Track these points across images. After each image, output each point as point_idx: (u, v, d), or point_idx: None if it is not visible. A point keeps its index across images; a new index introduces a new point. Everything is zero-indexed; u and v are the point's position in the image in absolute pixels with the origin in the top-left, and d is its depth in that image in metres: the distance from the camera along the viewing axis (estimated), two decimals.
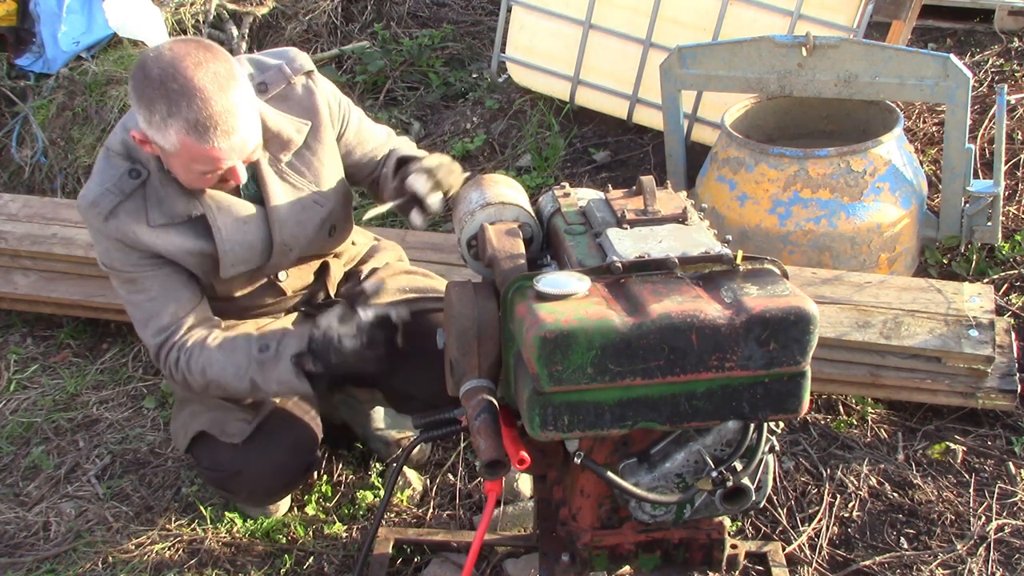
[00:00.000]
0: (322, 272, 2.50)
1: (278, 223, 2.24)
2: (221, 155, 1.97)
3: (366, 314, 2.12)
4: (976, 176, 3.56)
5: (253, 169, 2.19)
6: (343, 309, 2.15)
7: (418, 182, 2.16)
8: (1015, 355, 2.91)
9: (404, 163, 2.33)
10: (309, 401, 2.47)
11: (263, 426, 2.39)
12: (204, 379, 2.21)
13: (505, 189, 2.02)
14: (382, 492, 2.73)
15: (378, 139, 2.47)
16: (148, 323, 2.22)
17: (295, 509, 2.72)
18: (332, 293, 2.52)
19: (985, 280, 3.39)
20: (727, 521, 1.91)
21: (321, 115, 2.27)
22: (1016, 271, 3.43)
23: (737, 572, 2.25)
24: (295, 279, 2.43)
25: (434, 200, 2.17)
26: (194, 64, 1.92)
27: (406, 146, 2.49)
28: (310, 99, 2.26)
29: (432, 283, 2.57)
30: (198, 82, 1.91)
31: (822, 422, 2.93)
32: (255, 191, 2.24)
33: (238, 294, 2.36)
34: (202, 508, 2.72)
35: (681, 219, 1.83)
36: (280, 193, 2.23)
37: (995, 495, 2.65)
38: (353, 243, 2.62)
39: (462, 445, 2.87)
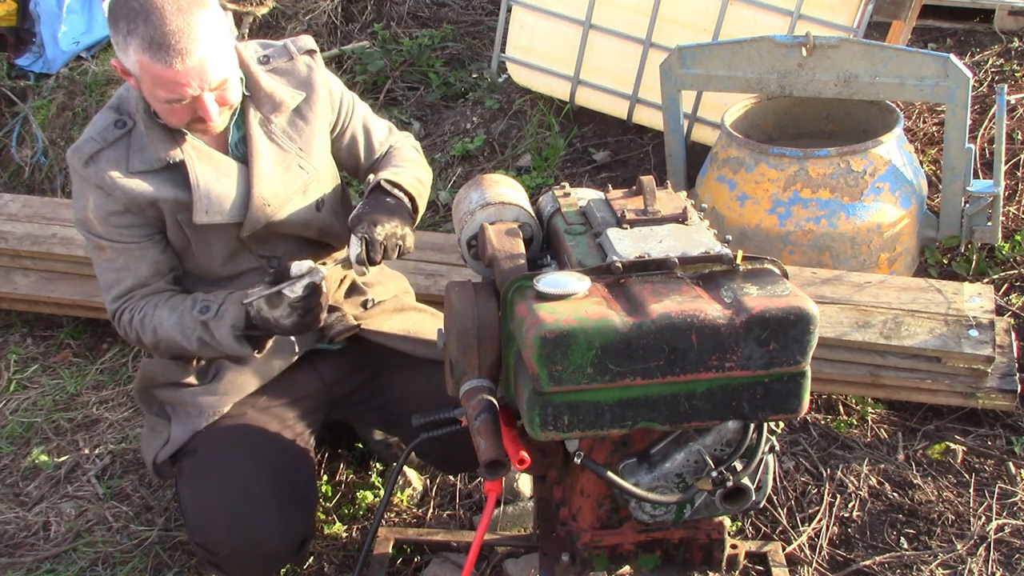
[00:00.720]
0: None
1: (259, 175, 2.22)
2: (179, 77, 1.96)
3: (294, 290, 2.10)
4: (976, 176, 3.57)
5: (243, 129, 2.21)
6: (267, 294, 2.12)
7: (353, 247, 2.16)
8: (1015, 355, 2.91)
9: (372, 191, 2.29)
10: (299, 414, 2.41)
11: (251, 489, 2.23)
12: (155, 337, 2.21)
13: (505, 189, 2.02)
14: (382, 492, 2.73)
15: (381, 130, 2.49)
16: (111, 288, 2.25)
17: None
18: (330, 299, 2.40)
19: (985, 280, 3.39)
20: (727, 521, 1.91)
21: (318, 91, 2.30)
22: (1016, 271, 3.43)
23: (737, 572, 2.25)
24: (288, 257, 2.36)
25: (356, 270, 2.19)
26: None
27: (399, 154, 2.46)
28: (309, 76, 2.30)
29: (423, 325, 2.49)
30: (157, 1, 1.94)
31: (822, 422, 2.93)
32: (243, 153, 2.24)
33: (225, 274, 2.32)
34: None
35: (681, 219, 1.83)
36: (265, 150, 2.23)
37: (995, 495, 2.65)
38: None
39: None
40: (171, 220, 2.21)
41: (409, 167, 2.39)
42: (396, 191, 2.27)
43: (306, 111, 2.29)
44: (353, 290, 2.48)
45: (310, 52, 2.33)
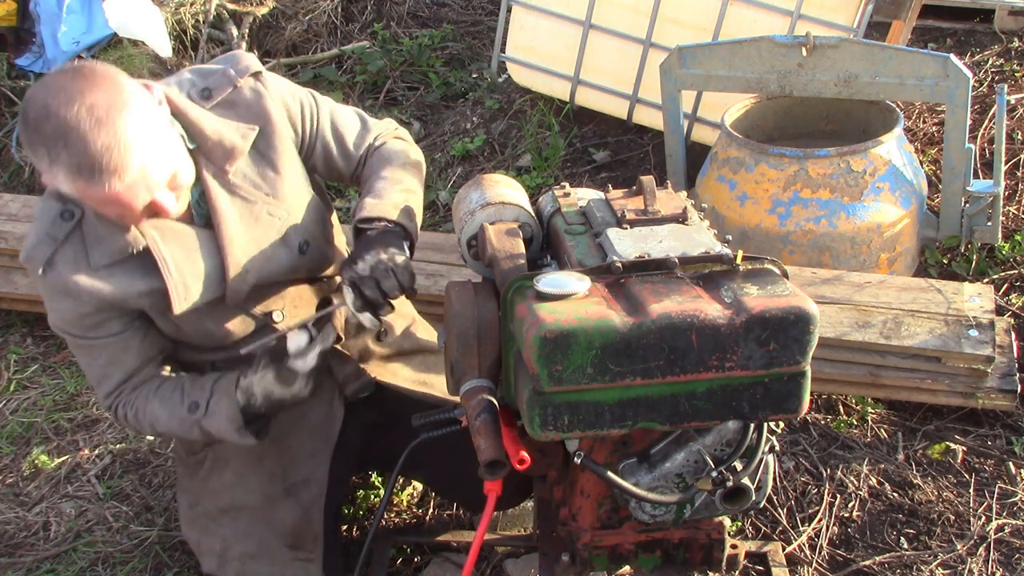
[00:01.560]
0: (326, 307, 2.25)
1: (228, 241, 2.00)
2: (120, 196, 1.76)
3: (307, 362, 1.98)
4: (976, 176, 3.56)
5: (199, 185, 1.98)
6: (276, 368, 1.99)
7: (347, 297, 1.95)
8: (1015, 355, 2.91)
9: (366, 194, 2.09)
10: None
11: None
12: (156, 431, 2.13)
13: (505, 189, 2.02)
14: (382, 492, 2.73)
15: (353, 129, 2.20)
16: (100, 384, 2.11)
17: None
18: (341, 332, 2.27)
19: (985, 280, 3.39)
20: (727, 521, 1.91)
21: (274, 120, 2.04)
22: (1016, 271, 3.43)
23: (737, 572, 2.25)
24: (293, 319, 2.17)
25: (365, 320, 1.95)
26: (67, 100, 1.68)
27: (380, 157, 2.19)
28: (259, 103, 2.02)
29: (438, 368, 2.34)
30: (72, 120, 1.68)
31: (822, 422, 2.93)
32: (206, 211, 2.01)
33: (228, 341, 2.15)
34: None
35: (681, 219, 1.83)
36: (229, 208, 1.99)
37: (995, 495, 2.65)
38: None
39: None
40: (151, 310, 2.04)
41: (390, 177, 2.13)
42: (374, 223, 2.03)
43: (264, 147, 2.03)
44: (362, 326, 2.31)
45: (255, 75, 2.04)
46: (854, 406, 2.97)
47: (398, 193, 2.09)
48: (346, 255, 2.26)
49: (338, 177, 2.24)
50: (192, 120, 1.93)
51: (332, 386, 2.27)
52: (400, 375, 2.32)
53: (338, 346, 2.27)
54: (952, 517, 2.59)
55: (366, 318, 1.95)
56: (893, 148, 3.30)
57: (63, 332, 2.06)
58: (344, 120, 2.19)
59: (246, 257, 2.03)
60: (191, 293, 1.99)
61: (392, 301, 1.96)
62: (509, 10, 4.47)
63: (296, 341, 1.99)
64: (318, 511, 2.29)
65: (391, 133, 2.25)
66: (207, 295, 2.02)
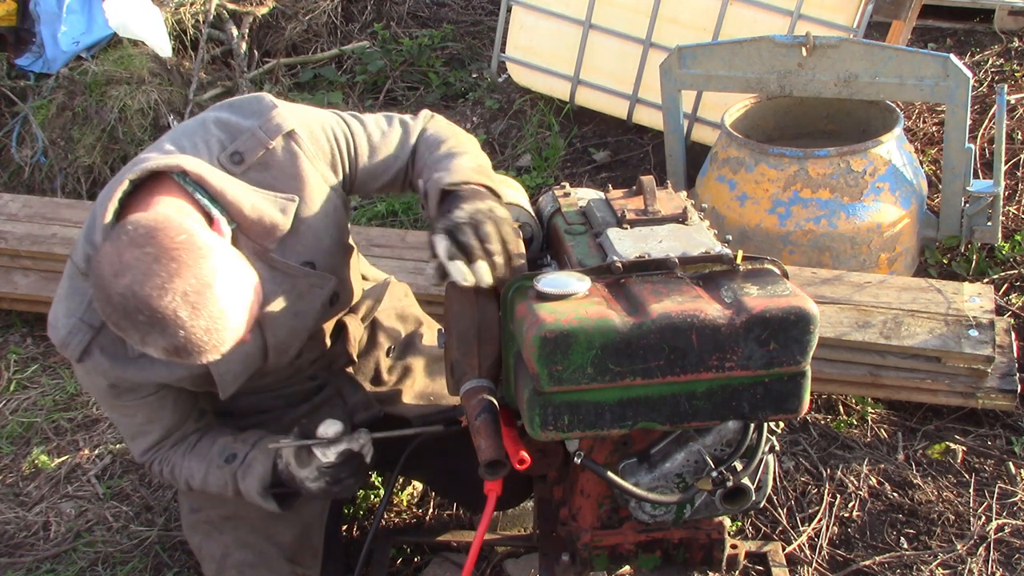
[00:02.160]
0: (340, 332, 2.22)
1: (271, 323, 1.92)
2: (213, 362, 1.73)
3: (327, 456, 1.91)
4: (976, 176, 3.57)
5: None
6: (297, 448, 1.92)
7: (439, 247, 1.71)
8: (1015, 355, 2.91)
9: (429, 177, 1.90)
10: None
11: None
12: (191, 487, 2.09)
13: (505, 189, 2.01)
14: (382, 492, 2.73)
15: (394, 141, 2.04)
16: (134, 440, 2.07)
17: None
18: (354, 356, 2.26)
19: (985, 280, 3.39)
20: (727, 521, 1.91)
21: (309, 181, 1.91)
22: (1016, 271, 3.43)
23: (737, 572, 2.25)
24: (309, 351, 2.14)
25: (456, 271, 1.69)
26: (157, 290, 1.58)
27: (429, 142, 2.03)
28: (294, 164, 1.90)
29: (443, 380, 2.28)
30: (167, 311, 1.58)
31: (822, 422, 2.93)
32: None
33: (273, 393, 2.18)
34: None
35: (681, 219, 1.83)
36: (271, 289, 1.89)
37: (995, 495, 2.65)
38: (364, 277, 2.36)
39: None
40: (191, 387, 2.01)
41: (456, 151, 1.95)
42: (464, 186, 1.84)
43: (304, 212, 1.91)
44: (372, 342, 2.33)
45: (288, 135, 1.89)
46: (854, 406, 2.97)
47: (473, 166, 1.91)
48: (360, 284, 2.21)
49: (390, 188, 2.10)
50: (230, 201, 1.82)
51: (343, 412, 2.26)
52: (410, 391, 2.31)
53: (349, 369, 2.27)
54: (952, 517, 2.59)
55: (457, 267, 1.69)
56: (893, 148, 3.30)
57: (98, 400, 2.01)
58: (382, 139, 2.03)
59: (287, 333, 1.97)
60: (237, 377, 1.96)
61: (490, 251, 1.71)
62: (509, 10, 4.47)
63: (325, 428, 1.91)
64: (319, 528, 2.28)
65: (427, 118, 2.12)
66: (250, 371, 1.98)
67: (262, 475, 1.98)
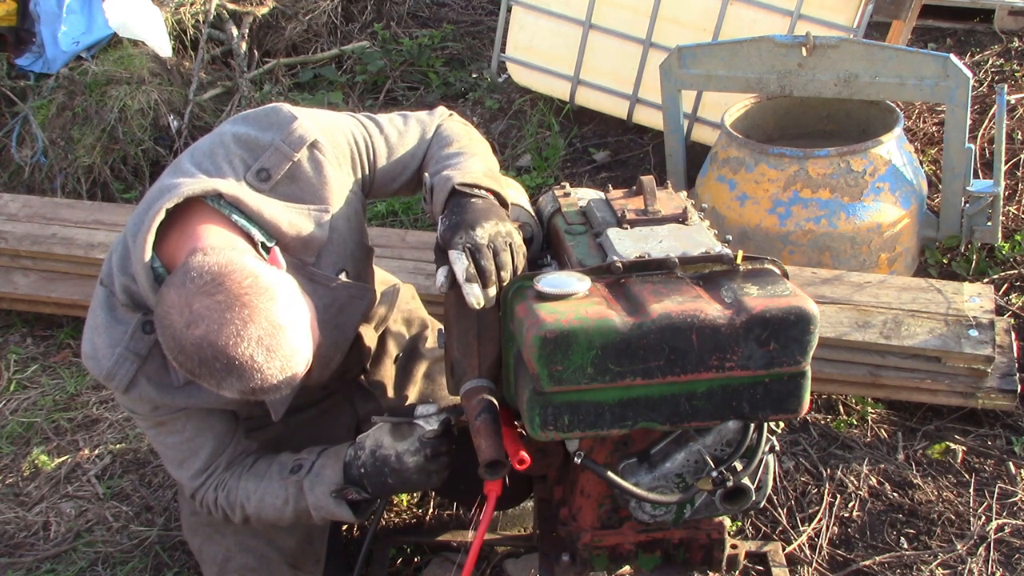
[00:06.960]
0: (356, 342, 2.16)
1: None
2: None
3: (430, 424, 1.88)
4: (976, 176, 3.57)
5: None
6: (392, 424, 1.89)
7: (458, 265, 1.71)
8: (1015, 355, 2.91)
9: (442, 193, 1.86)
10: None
11: None
12: (244, 513, 2.00)
13: (507, 190, 2.02)
14: None
15: (412, 139, 2.02)
16: (183, 464, 1.99)
17: None
18: (367, 365, 2.27)
19: (985, 280, 3.39)
20: (727, 521, 1.91)
21: (335, 189, 1.89)
22: (1016, 271, 3.43)
23: (737, 572, 2.25)
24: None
25: (470, 292, 1.69)
26: (233, 338, 1.58)
27: (442, 138, 2.02)
28: (321, 174, 1.87)
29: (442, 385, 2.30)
30: (244, 359, 1.59)
31: (822, 422, 2.93)
32: None
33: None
34: None
35: (681, 219, 1.83)
36: (313, 301, 1.83)
37: (995, 495, 2.65)
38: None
39: None
40: (238, 407, 1.98)
41: (468, 149, 1.95)
42: (476, 190, 1.82)
43: (334, 220, 1.90)
44: (381, 350, 2.31)
45: (311, 145, 1.87)
46: (854, 406, 2.97)
47: (485, 171, 1.90)
48: (376, 284, 2.19)
49: (406, 190, 2.08)
50: (268, 220, 1.81)
51: (352, 420, 2.26)
52: (411, 397, 2.31)
53: (361, 377, 2.27)
54: (952, 517, 2.59)
55: (473, 290, 1.69)
56: (893, 148, 3.30)
57: (137, 416, 1.97)
58: (399, 139, 2.02)
59: (330, 346, 1.97)
60: (286, 400, 1.94)
61: (503, 278, 1.73)
62: (509, 10, 4.47)
63: (423, 408, 1.92)
64: (321, 535, 2.26)
65: (444, 116, 2.10)
66: (297, 390, 1.90)
67: (335, 480, 1.92)
